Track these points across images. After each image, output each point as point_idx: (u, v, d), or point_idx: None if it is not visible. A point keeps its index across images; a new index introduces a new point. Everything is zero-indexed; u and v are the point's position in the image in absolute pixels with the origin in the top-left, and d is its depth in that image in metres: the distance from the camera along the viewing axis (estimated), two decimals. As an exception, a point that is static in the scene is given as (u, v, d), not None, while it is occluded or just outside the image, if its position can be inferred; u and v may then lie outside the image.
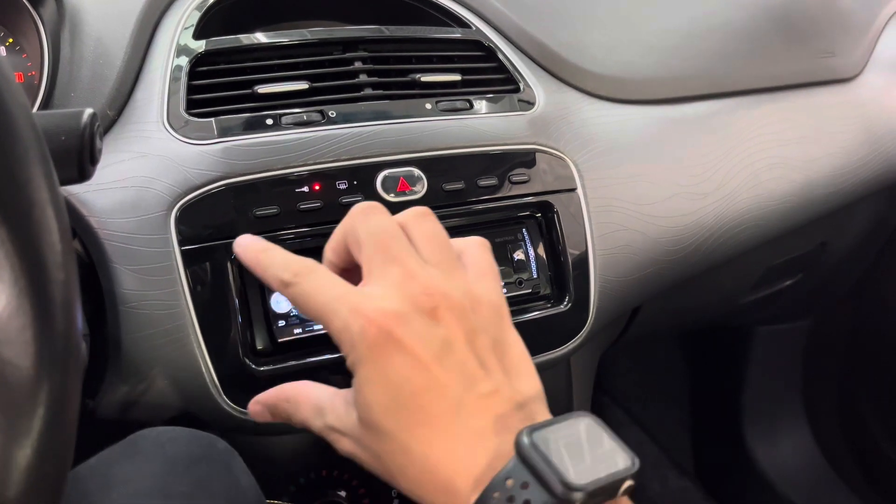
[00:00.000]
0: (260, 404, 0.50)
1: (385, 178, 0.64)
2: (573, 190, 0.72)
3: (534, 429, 0.39)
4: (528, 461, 0.38)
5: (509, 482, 0.38)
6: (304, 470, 0.69)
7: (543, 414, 0.44)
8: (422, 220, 0.48)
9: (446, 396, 0.41)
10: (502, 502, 0.37)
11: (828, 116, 0.96)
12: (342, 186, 0.63)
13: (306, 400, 0.47)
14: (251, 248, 0.49)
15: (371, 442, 0.43)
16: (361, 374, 0.42)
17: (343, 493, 0.70)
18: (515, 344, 0.46)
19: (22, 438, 0.30)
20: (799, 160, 0.90)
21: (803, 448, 1.45)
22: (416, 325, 0.42)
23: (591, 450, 0.39)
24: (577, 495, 0.36)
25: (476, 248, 0.49)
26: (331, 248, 0.49)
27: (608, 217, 0.73)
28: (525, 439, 0.38)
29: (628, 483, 0.39)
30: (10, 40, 0.68)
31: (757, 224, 0.86)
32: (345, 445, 0.45)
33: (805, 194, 0.91)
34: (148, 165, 0.60)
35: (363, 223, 0.46)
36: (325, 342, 0.62)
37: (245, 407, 0.60)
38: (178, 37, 0.69)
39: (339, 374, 0.62)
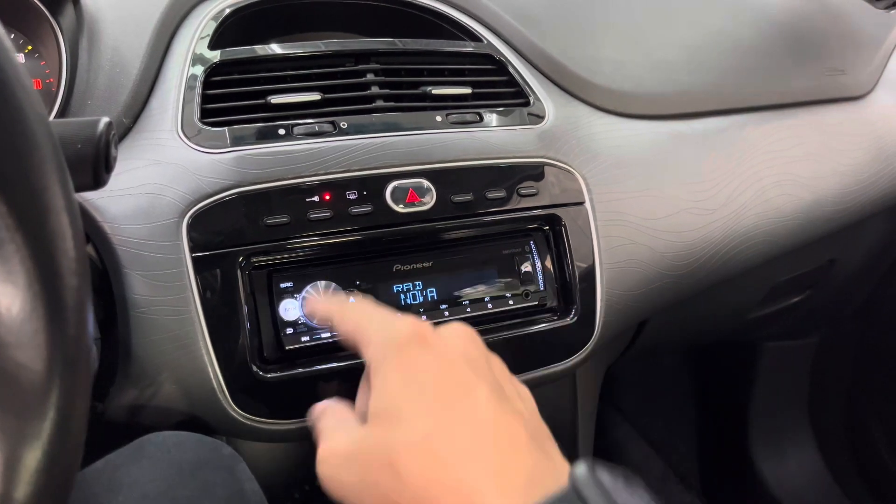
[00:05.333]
0: None
1: (395, 189, 0.64)
2: (581, 203, 0.72)
3: (588, 465, 0.38)
4: (583, 495, 0.37)
5: None
6: (308, 477, 0.70)
7: (557, 453, 0.44)
8: None
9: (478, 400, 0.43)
10: None
11: (837, 134, 0.96)
12: (352, 197, 0.63)
13: None
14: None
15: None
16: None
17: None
18: (524, 388, 0.49)
19: (32, 440, 0.30)
20: (807, 177, 0.90)
21: (810, 465, 1.44)
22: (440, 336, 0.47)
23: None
24: None
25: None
26: None
27: (615, 231, 0.74)
28: (583, 472, 0.38)
29: None
30: (29, 47, 0.69)
31: (764, 240, 0.86)
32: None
33: (813, 211, 0.91)
34: (161, 173, 0.61)
35: None
36: (333, 350, 0.63)
37: (251, 413, 0.60)
38: (193, 46, 0.70)
39: (346, 382, 0.63)
